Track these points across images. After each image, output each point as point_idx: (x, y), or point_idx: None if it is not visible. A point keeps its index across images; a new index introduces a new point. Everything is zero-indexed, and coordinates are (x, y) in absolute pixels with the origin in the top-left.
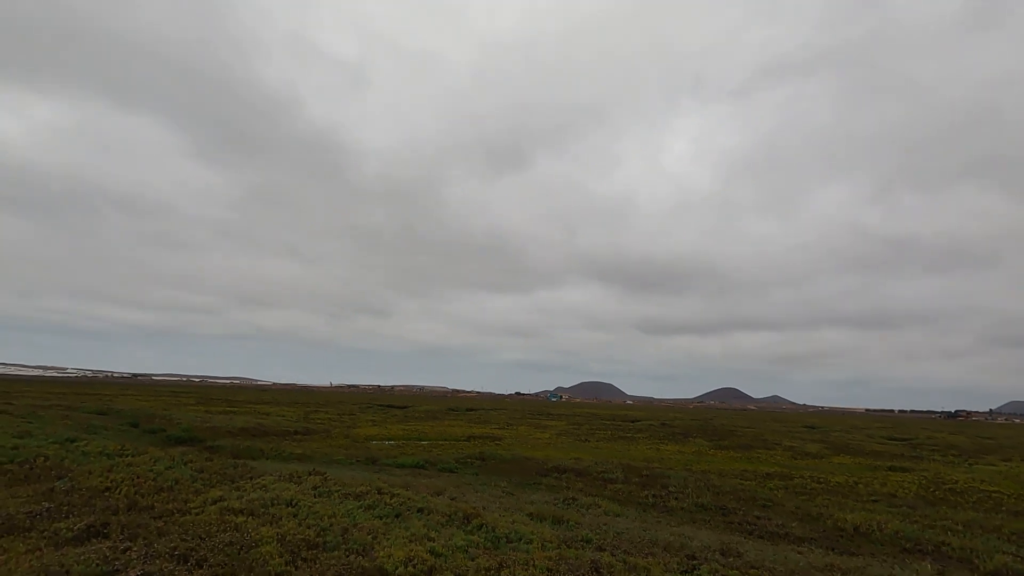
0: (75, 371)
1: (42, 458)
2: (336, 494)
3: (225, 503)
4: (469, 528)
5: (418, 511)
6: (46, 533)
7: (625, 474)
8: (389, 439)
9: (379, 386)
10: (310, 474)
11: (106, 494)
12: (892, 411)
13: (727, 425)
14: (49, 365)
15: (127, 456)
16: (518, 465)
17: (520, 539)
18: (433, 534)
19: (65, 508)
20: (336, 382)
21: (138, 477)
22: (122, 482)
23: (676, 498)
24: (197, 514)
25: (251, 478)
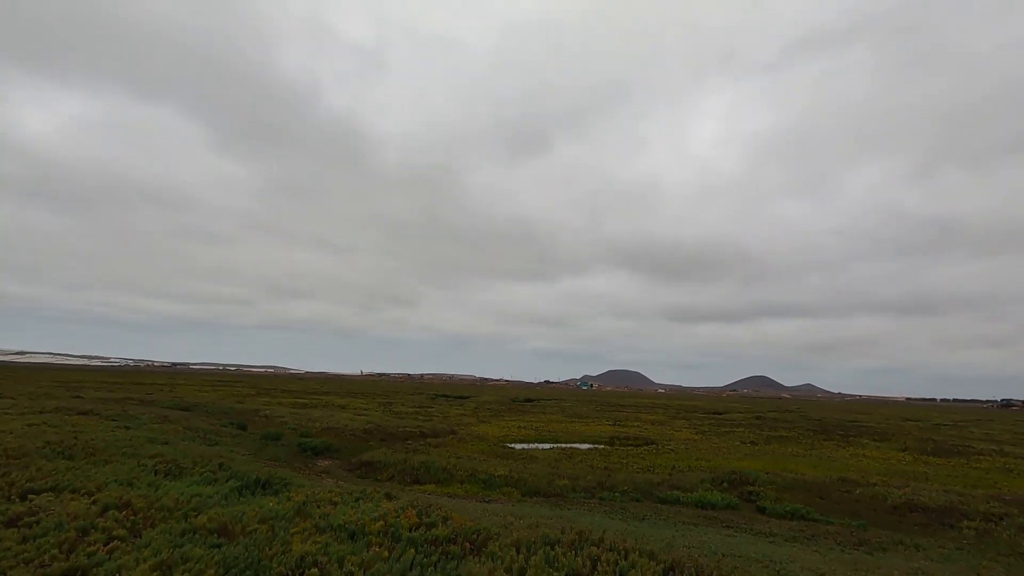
0: (118, 360)
1: (313, 571)
2: None
3: None
4: None
5: None
6: None
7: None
8: (521, 441)
9: (409, 375)
10: None
11: None
12: (934, 400)
13: (829, 418)
14: (94, 355)
15: (430, 529)
16: (813, 491)
17: None
18: None
19: None
20: (366, 371)
21: None
22: None
23: None
24: None
25: None
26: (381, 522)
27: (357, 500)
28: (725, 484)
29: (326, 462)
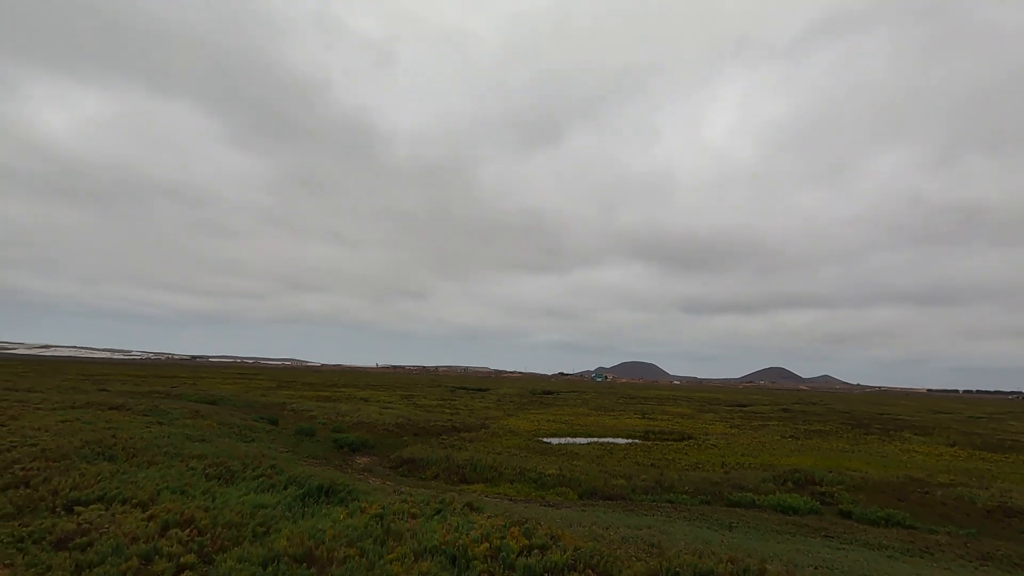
0: (139, 353)
1: None
2: None
3: None
4: None
5: None
6: None
7: None
8: (553, 435)
9: (423, 367)
10: None
11: None
12: (956, 391)
13: (858, 411)
14: (115, 348)
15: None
16: (887, 492)
17: None
18: None
19: None
20: (381, 363)
21: None
22: None
23: None
24: None
25: None
26: (485, 544)
27: (438, 512)
28: (789, 484)
29: (364, 459)
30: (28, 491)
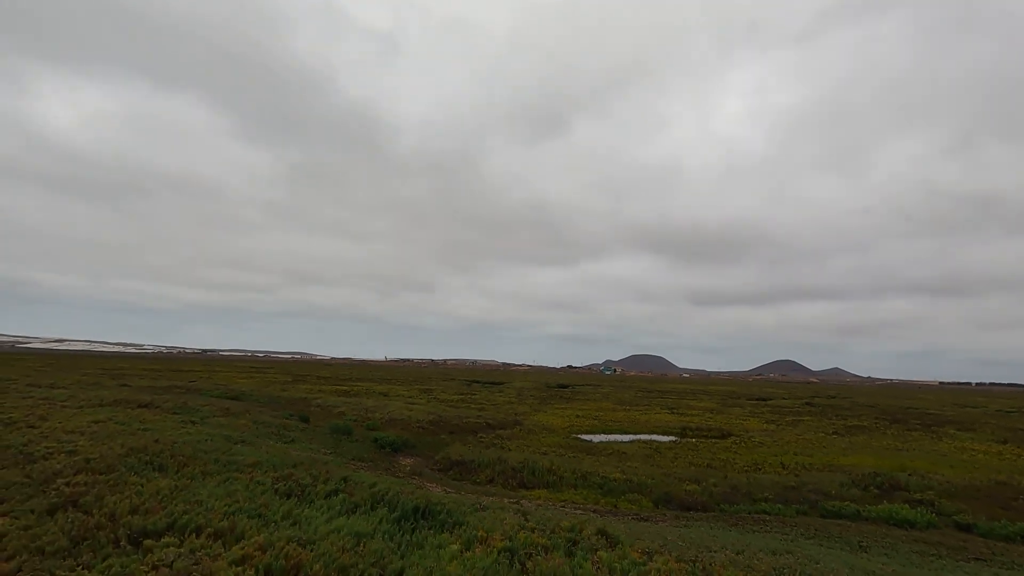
0: (151, 347)
1: None
2: None
3: None
4: None
5: None
6: None
7: None
8: (589, 432)
9: (432, 360)
10: None
11: None
12: (969, 383)
13: (883, 404)
14: (128, 342)
15: None
16: (983, 499)
17: None
18: None
19: None
20: (391, 356)
21: None
22: None
23: None
24: None
25: None
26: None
27: (573, 543)
28: (873, 489)
29: (408, 460)
30: (82, 516)
